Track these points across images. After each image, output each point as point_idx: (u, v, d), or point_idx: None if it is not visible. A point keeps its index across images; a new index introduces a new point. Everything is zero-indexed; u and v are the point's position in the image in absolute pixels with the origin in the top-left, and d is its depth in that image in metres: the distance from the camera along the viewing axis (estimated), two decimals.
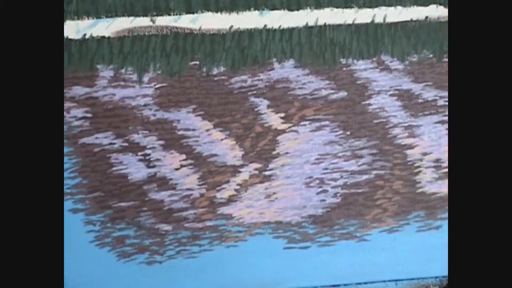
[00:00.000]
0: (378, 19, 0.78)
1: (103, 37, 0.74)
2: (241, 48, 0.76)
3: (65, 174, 0.73)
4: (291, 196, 0.77)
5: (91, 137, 0.74)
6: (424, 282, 0.78)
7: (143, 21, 0.75)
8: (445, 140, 0.79)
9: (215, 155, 0.76)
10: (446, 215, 0.79)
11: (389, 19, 0.79)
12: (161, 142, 0.75)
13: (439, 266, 0.77)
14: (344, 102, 0.78)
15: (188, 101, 0.76)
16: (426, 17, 0.79)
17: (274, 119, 0.77)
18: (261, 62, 0.77)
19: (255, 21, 0.77)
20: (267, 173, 0.77)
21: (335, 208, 0.77)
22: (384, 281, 0.77)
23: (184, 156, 0.75)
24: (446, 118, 0.79)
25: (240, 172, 0.76)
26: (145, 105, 0.75)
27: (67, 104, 0.74)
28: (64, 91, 0.73)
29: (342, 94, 0.78)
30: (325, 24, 0.78)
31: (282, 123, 0.77)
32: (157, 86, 0.75)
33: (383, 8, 0.78)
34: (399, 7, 0.79)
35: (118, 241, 0.74)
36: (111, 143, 0.74)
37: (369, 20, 0.78)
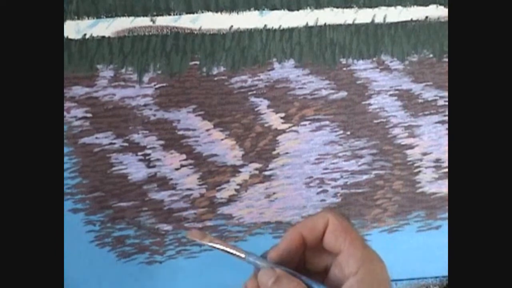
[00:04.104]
0: (378, 19, 0.78)
1: (103, 37, 0.74)
2: (241, 48, 0.76)
3: (65, 174, 0.73)
4: (291, 196, 0.77)
5: (91, 137, 0.74)
6: (424, 282, 0.78)
7: (143, 21, 0.75)
8: (445, 140, 0.80)
9: (215, 155, 0.76)
10: (446, 215, 0.79)
11: (389, 19, 0.79)
12: (161, 142, 0.75)
13: (439, 266, 0.77)
14: (344, 102, 0.78)
15: (188, 101, 0.76)
16: (426, 17, 0.79)
17: (274, 119, 0.77)
18: (261, 62, 0.77)
19: (255, 21, 0.77)
20: (267, 173, 0.77)
21: (335, 208, 0.77)
22: None
23: (184, 156, 0.75)
24: (446, 118, 0.79)
25: (240, 172, 0.76)
26: (145, 105, 0.75)
27: (67, 104, 0.74)
28: (64, 91, 0.73)
29: (342, 94, 0.78)
30: (325, 24, 0.78)
31: (282, 123, 0.77)
32: (157, 86, 0.75)
33: (383, 8, 0.78)
34: (399, 7, 0.79)
35: (118, 241, 0.74)
36: (111, 143, 0.74)
37: (369, 20, 0.78)
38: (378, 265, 0.47)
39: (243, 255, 0.49)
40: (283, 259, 0.48)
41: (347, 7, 0.78)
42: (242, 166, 0.76)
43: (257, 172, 0.77)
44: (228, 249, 0.49)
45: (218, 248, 0.50)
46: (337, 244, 0.47)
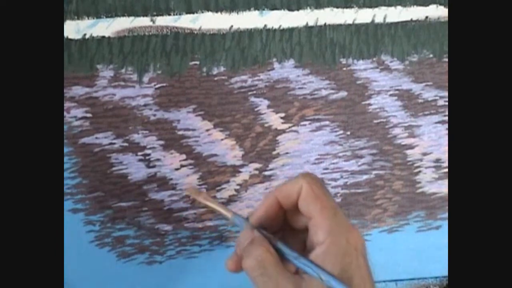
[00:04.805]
0: (378, 19, 0.78)
1: (103, 37, 0.74)
2: (241, 48, 0.76)
3: (65, 174, 0.73)
4: None
5: (91, 137, 0.74)
6: (424, 282, 0.78)
7: (143, 21, 0.75)
8: (445, 140, 0.80)
9: (215, 155, 0.76)
10: (446, 215, 0.79)
11: (389, 19, 0.79)
12: (161, 142, 0.75)
13: (439, 266, 0.77)
14: (344, 102, 0.78)
15: (188, 101, 0.76)
16: (426, 17, 0.79)
17: (274, 119, 0.77)
18: (261, 62, 0.77)
19: (255, 21, 0.77)
20: (267, 173, 0.77)
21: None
22: (384, 281, 0.77)
23: (184, 156, 0.75)
24: (446, 118, 0.79)
25: (240, 172, 0.76)
26: (145, 105, 0.75)
27: (67, 104, 0.74)
28: (64, 91, 0.73)
29: (342, 94, 0.78)
30: (325, 24, 0.78)
31: (282, 123, 0.77)
32: (157, 86, 0.75)
33: (383, 8, 0.79)
34: (399, 7, 0.79)
35: (118, 241, 0.74)
36: (111, 143, 0.74)
37: (369, 20, 0.78)
38: (345, 235, 0.47)
39: (229, 215, 0.53)
40: (264, 222, 0.50)
41: (347, 7, 0.78)
42: (242, 166, 0.76)
43: (257, 172, 0.77)
44: (218, 208, 0.54)
45: (209, 206, 0.55)
46: (309, 211, 0.48)
